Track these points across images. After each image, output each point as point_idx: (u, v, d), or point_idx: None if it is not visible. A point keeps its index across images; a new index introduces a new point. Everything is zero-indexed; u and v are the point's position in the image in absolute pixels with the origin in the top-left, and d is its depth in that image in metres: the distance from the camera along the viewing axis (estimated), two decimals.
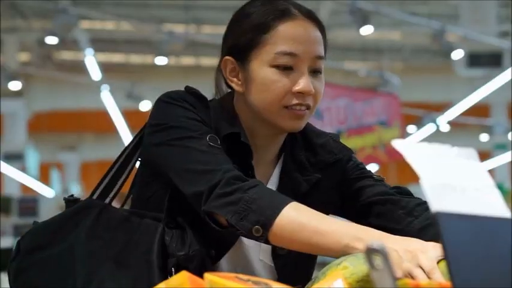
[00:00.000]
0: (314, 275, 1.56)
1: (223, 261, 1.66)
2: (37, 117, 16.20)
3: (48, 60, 15.74)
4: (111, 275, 1.55)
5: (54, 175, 17.40)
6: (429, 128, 13.91)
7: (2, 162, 13.44)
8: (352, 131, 9.15)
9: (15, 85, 11.77)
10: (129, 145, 1.74)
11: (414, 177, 1.04)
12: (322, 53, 1.64)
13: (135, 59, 16.81)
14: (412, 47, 15.96)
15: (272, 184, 1.72)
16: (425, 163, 1.03)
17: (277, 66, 1.59)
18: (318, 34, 1.64)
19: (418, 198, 1.69)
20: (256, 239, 1.48)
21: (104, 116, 14.29)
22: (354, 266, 1.34)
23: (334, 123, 8.96)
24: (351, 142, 8.68)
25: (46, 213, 12.65)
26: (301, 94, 1.60)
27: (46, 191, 16.00)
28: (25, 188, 16.08)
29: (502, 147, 14.36)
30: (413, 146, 1.06)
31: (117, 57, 16.53)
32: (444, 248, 0.94)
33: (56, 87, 15.91)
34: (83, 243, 1.59)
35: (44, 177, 16.81)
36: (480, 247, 0.98)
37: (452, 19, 12.30)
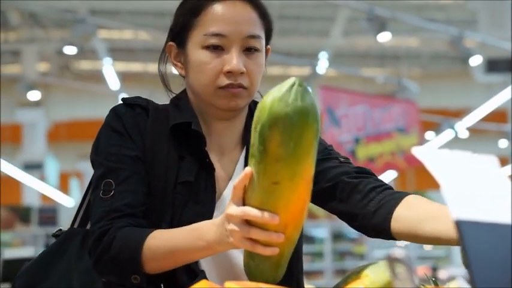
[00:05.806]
0: (335, 283, 1.56)
1: (207, 266, 1.65)
2: (56, 126, 16.28)
3: (66, 70, 15.82)
4: None
5: (74, 184, 17.47)
6: (447, 135, 13.85)
7: (21, 171, 13.52)
8: (371, 137, 9.11)
9: (34, 95, 11.87)
10: None
11: (433, 184, 1.03)
12: (256, 32, 1.64)
13: (153, 67, 16.75)
14: (429, 53, 15.91)
15: (240, 168, 1.71)
16: (445, 171, 1.03)
17: (207, 48, 1.62)
18: (252, 14, 1.64)
19: (377, 180, 1.70)
20: (141, 284, 1.51)
21: None
22: (375, 274, 1.33)
23: (352, 130, 8.93)
24: (369, 149, 8.65)
25: (66, 223, 12.65)
26: (231, 74, 1.60)
27: (65, 200, 16.05)
28: (45, 198, 16.15)
29: None
30: (433, 153, 1.05)
31: (135, 66, 16.57)
32: (466, 256, 0.94)
33: (74, 96, 15.99)
34: (73, 267, 1.66)
35: (63, 186, 16.88)
36: (502, 255, 0.97)
37: (470, 25, 12.24)
